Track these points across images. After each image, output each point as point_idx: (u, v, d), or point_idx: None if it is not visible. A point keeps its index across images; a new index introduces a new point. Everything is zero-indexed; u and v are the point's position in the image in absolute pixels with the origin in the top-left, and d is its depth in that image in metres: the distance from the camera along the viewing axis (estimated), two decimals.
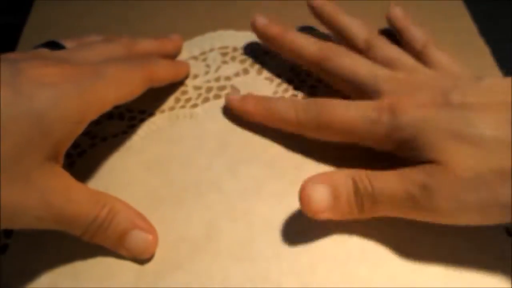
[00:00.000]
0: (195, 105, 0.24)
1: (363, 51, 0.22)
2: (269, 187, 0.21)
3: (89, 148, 0.23)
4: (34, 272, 0.19)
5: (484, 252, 0.18)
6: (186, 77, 0.25)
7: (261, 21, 0.24)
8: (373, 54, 0.22)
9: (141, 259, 0.19)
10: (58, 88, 0.17)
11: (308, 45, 0.23)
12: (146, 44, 0.24)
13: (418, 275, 0.18)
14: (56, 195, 0.17)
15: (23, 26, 0.28)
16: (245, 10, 0.28)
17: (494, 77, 0.18)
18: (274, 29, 0.24)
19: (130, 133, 0.23)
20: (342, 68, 0.21)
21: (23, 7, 0.28)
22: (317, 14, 0.25)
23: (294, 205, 0.20)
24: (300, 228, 0.19)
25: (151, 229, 0.19)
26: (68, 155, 0.22)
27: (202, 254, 0.19)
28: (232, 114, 0.23)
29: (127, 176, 0.22)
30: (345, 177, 0.18)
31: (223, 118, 0.23)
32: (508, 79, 0.17)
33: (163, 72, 0.23)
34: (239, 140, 0.22)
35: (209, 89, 0.25)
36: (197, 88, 0.25)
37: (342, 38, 0.24)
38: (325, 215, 0.18)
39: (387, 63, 0.21)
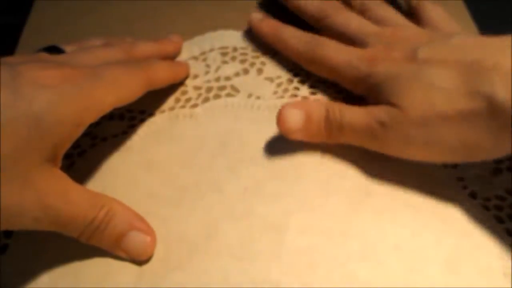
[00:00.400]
0: (195, 105, 0.24)
1: (359, 12, 0.24)
2: (269, 187, 0.21)
3: (89, 148, 0.23)
4: (34, 272, 0.19)
5: (484, 252, 0.18)
6: (186, 77, 0.25)
7: None
8: (368, 15, 0.24)
9: (140, 260, 0.19)
10: (57, 90, 0.17)
11: (310, 5, 0.25)
12: (145, 47, 0.24)
13: (417, 275, 0.18)
14: (54, 196, 0.17)
15: (23, 26, 0.28)
16: (245, 10, 0.28)
17: (465, 35, 0.20)
18: None
19: (130, 133, 0.23)
20: (336, 24, 0.24)
21: (23, 7, 0.28)
22: None
23: (294, 205, 0.20)
24: (300, 228, 0.19)
25: (149, 231, 0.19)
26: (68, 155, 0.22)
27: (202, 254, 0.19)
28: (232, 114, 0.23)
29: (127, 176, 0.22)
30: (319, 105, 0.21)
31: (223, 118, 0.23)
32: (475, 38, 0.19)
33: (162, 74, 0.23)
34: (239, 140, 0.22)
35: (209, 89, 0.25)
36: (197, 88, 0.25)
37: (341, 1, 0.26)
38: (297, 135, 0.21)
39: (379, 22, 0.23)
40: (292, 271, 0.18)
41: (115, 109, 0.24)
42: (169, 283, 0.18)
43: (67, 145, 0.18)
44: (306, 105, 0.21)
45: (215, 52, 0.26)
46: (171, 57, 0.26)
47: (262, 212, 0.20)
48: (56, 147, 0.17)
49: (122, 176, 0.22)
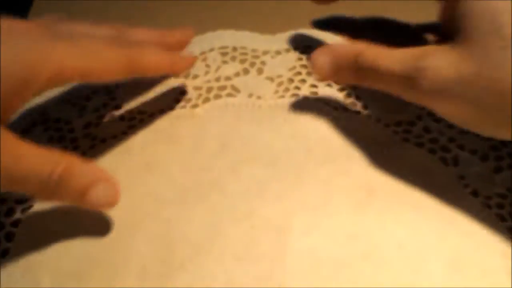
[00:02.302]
0: (195, 105, 0.24)
1: None
2: (271, 188, 0.21)
3: (88, 149, 0.22)
4: (36, 275, 0.18)
5: (487, 250, 0.18)
6: (187, 71, 0.24)
7: None
8: None
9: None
10: (5, 39, 0.16)
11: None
12: (143, 32, 0.22)
13: (420, 275, 0.18)
14: (1, 153, 0.16)
15: None
16: (245, 10, 0.28)
17: None
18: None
19: (130, 134, 0.23)
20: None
21: (23, 7, 0.28)
22: None
23: (296, 205, 0.20)
24: (303, 229, 0.19)
25: (111, 180, 0.18)
26: None
27: (205, 255, 0.19)
28: (233, 114, 0.23)
29: (128, 177, 0.21)
30: (351, 52, 0.20)
31: (224, 118, 0.23)
32: None
33: (152, 59, 0.20)
34: (240, 141, 0.22)
35: (209, 89, 0.25)
36: (197, 88, 0.25)
37: None
38: (329, 79, 0.22)
39: None
40: (295, 272, 0.18)
41: (115, 109, 0.24)
42: (172, 284, 0.18)
43: (15, 102, 0.17)
44: (337, 50, 0.20)
45: (215, 52, 0.26)
46: (176, 48, 0.23)
47: (264, 213, 0.20)
48: None
49: (123, 177, 0.21)
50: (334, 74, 0.21)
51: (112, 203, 0.18)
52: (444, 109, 0.17)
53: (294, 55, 0.26)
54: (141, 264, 0.19)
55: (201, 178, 0.21)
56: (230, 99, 0.24)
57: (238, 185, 0.21)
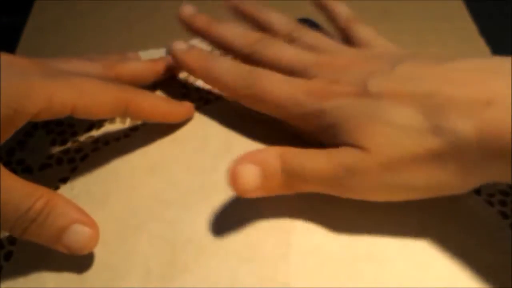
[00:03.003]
0: (197, 107, 0.24)
1: (288, 42, 0.23)
2: None
3: (91, 152, 0.22)
4: (39, 279, 0.18)
5: (491, 250, 0.19)
6: (188, 77, 0.25)
7: (188, 11, 0.24)
8: (297, 44, 0.22)
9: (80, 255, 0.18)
10: (4, 73, 0.16)
11: (235, 40, 0.23)
12: (131, 66, 0.23)
13: (423, 273, 0.18)
14: None
15: (23, 26, 0.27)
16: None
17: (409, 63, 0.18)
18: (200, 21, 0.24)
19: (132, 136, 0.23)
20: (267, 57, 0.22)
21: (23, 7, 0.28)
22: (238, 13, 0.25)
23: (300, 205, 0.20)
24: (307, 229, 0.19)
25: (91, 223, 0.18)
26: (70, 160, 0.22)
27: (209, 256, 0.19)
28: (235, 114, 0.23)
29: (131, 179, 0.21)
30: (275, 156, 0.18)
31: (226, 119, 0.23)
32: (421, 66, 0.18)
33: (147, 104, 0.21)
34: (243, 141, 0.22)
35: (211, 90, 0.25)
36: (199, 89, 0.25)
37: (265, 32, 0.23)
38: (254, 194, 0.18)
39: (311, 49, 0.22)
40: (300, 272, 0.18)
41: None
42: (176, 286, 0.18)
43: (6, 130, 0.17)
44: (259, 158, 0.18)
45: (215, 52, 0.26)
46: (163, 76, 0.24)
47: (268, 213, 0.20)
48: None
49: (126, 180, 0.21)
50: (262, 187, 0.18)
51: (87, 248, 0.18)
52: (375, 197, 0.18)
53: None
54: (145, 266, 0.19)
55: (204, 179, 0.21)
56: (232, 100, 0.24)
57: None
